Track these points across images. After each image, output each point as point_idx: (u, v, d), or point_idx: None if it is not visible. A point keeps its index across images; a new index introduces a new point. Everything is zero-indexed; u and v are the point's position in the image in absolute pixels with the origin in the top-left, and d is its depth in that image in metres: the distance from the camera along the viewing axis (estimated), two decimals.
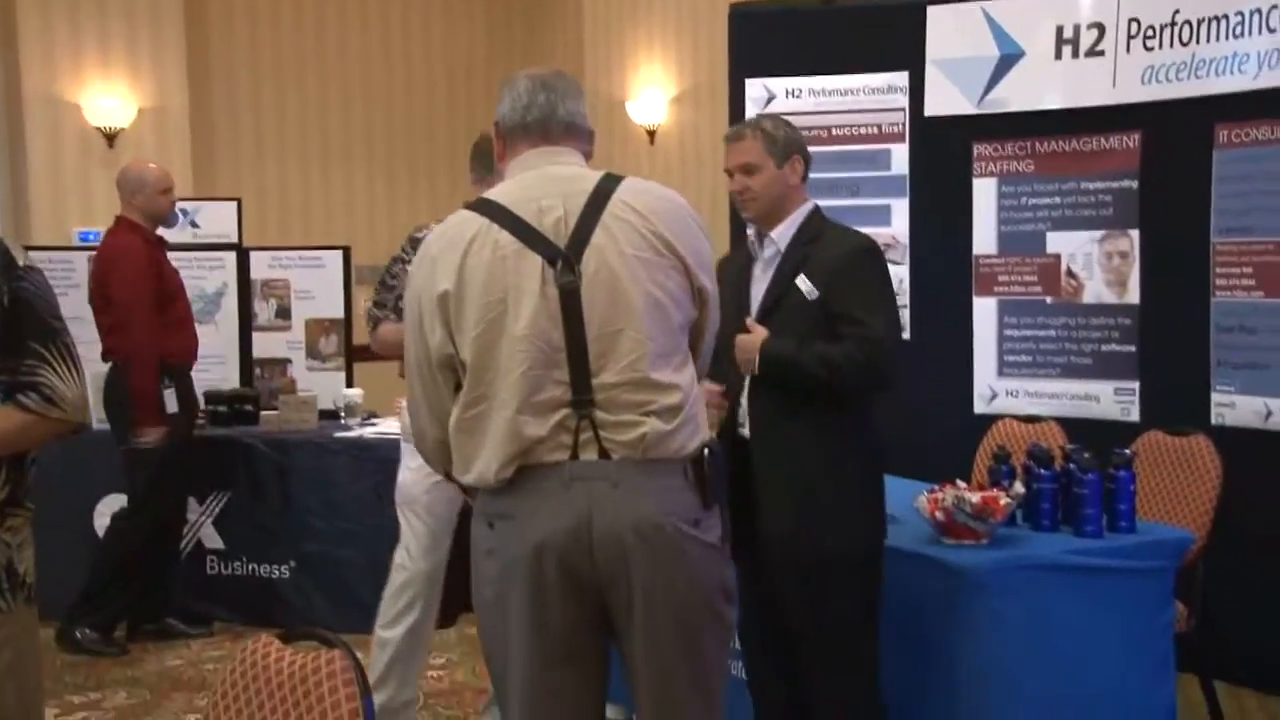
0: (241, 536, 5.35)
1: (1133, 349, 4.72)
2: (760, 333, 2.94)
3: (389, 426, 5.35)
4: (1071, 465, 3.18)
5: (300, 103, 8.93)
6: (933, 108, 5.05)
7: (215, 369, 5.89)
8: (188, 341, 5.06)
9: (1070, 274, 4.86)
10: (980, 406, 5.01)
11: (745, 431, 3.00)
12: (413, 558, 3.77)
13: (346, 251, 6.19)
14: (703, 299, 2.40)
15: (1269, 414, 4.25)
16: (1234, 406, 4.35)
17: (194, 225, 6.47)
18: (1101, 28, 4.72)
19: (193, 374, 5.16)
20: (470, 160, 3.67)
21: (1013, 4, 4.91)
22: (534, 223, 2.31)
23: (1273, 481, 4.16)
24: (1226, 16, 4.33)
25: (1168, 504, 3.82)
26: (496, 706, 2.60)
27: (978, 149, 5.00)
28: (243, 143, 8.77)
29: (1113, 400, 4.76)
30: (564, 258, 2.28)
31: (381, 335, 3.84)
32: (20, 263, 2.17)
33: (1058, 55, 4.82)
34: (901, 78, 5.09)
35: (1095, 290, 4.80)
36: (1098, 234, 4.79)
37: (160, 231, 5.13)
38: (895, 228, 5.09)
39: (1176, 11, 4.49)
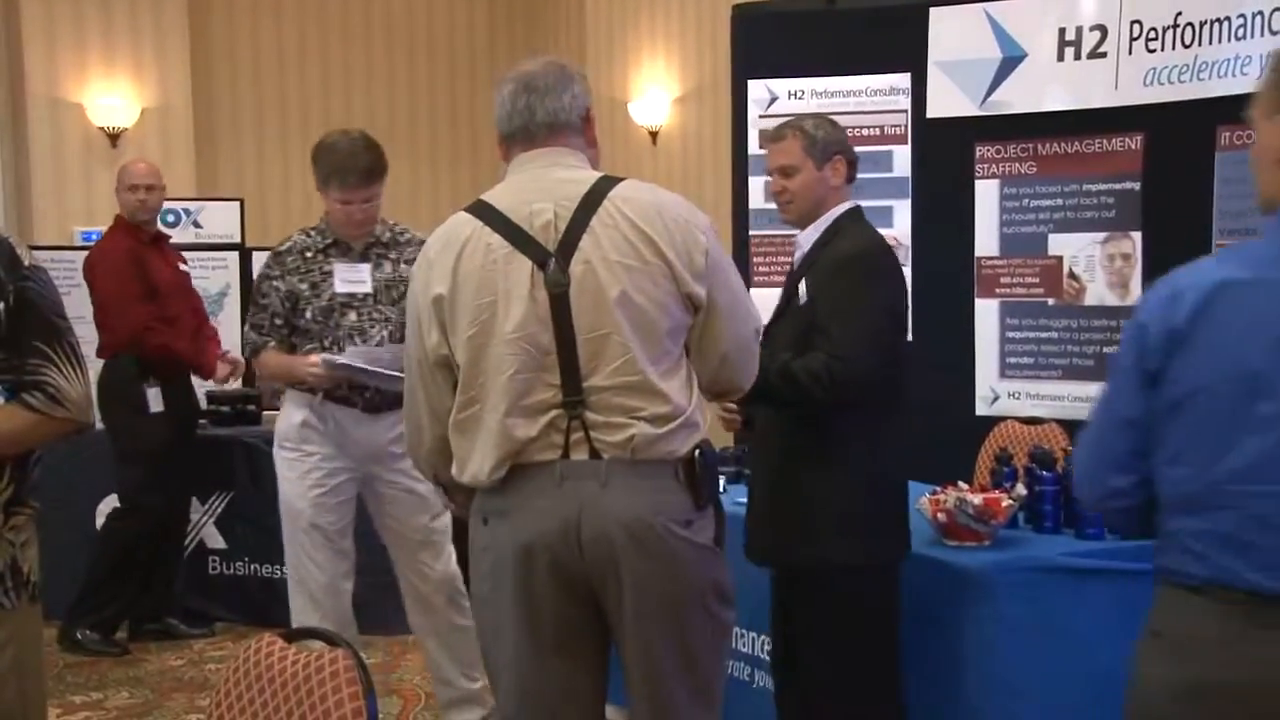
0: (243, 536, 5.34)
1: None
2: None
3: None
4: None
5: (302, 101, 8.93)
6: (935, 109, 5.05)
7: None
8: (176, 342, 4.94)
9: (1072, 276, 4.86)
10: (982, 408, 5.01)
11: None
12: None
13: None
14: (696, 305, 2.35)
15: None
16: None
17: (196, 225, 6.48)
18: (1104, 30, 4.72)
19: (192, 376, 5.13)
20: None
21: (1015, 6, 4.91)
22: (525, 226, 2.32)
23: None
24: (1229, 19, 4.33)
25: None
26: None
27: (980, 151, 5.00)
28: (245, 142, 8.78)
29: None
30: (553, 261, 2.29)
31: (264, 364, 3.74)
32: (25, 262, 2.18)
33: (1060, 57, 4.82)
34: (904, 79, 5.09)
35: (1097, 292, 4.80)
36: (1100, 236, 4.79)
37: (166, 230, 5.12)
38: (897, 229, 5.09)
39: (1179, 14, 4.49)
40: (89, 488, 5.30)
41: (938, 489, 3.16)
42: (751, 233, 5.33)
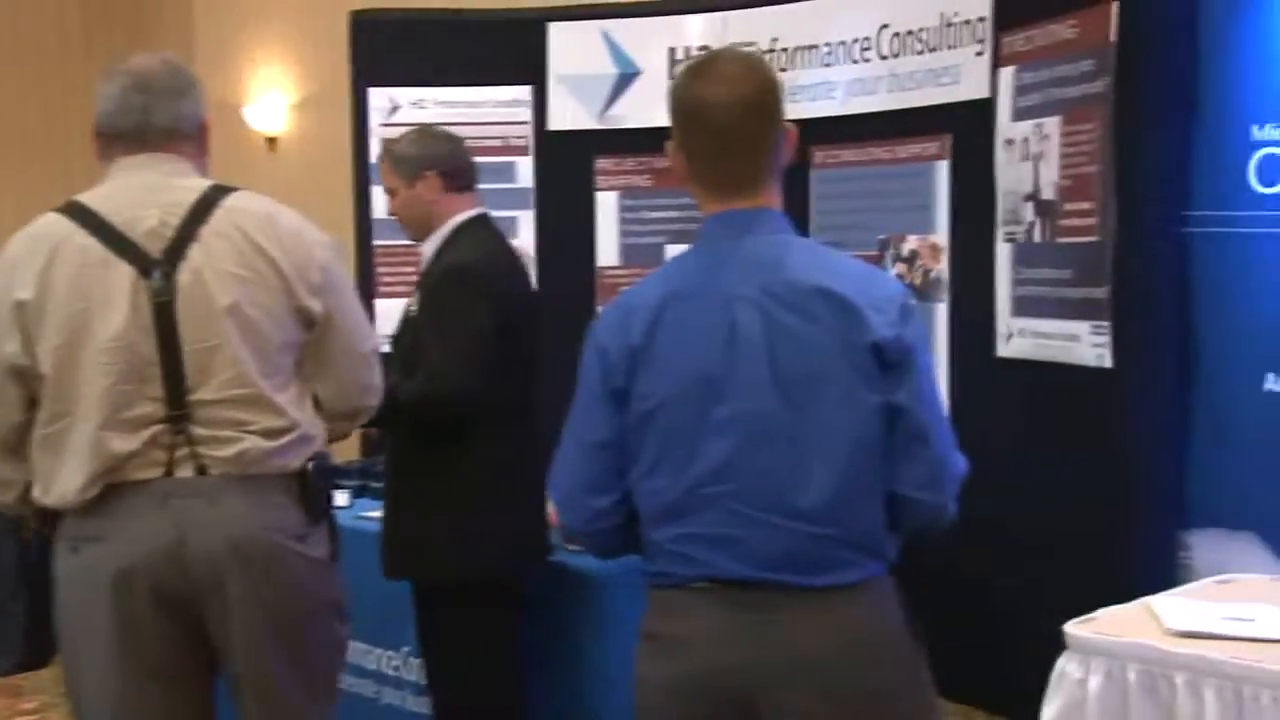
0: None
1: None
2: None
3: None
4: None
5: None
6: (556, 122, 5.16)
7: None
8: None
9: None
10: None
11: None
12: None
13: None
14: (311, 320, 2.30)
15: None
16: None
17: None
18: (709, 50, 4.96)
19: None
20: None
21: (628, 24, 5.09)
22: (126, 231, 2.19)
23: None
24: (818, 46, 4.66)
25: None
26: None
27: (600, 164, 5.14)
28: None
29: None
30: (158, 269, 2.18)
31: None
32: None
33: (671, 75, 5.04)
34: (525, 91, 5.17)
35: None
36: None
37: None
38: (522, 239, 5.16)
39: (775, 39, 4.79)
40: None
41: None
42: (375, 242, 5.25)
